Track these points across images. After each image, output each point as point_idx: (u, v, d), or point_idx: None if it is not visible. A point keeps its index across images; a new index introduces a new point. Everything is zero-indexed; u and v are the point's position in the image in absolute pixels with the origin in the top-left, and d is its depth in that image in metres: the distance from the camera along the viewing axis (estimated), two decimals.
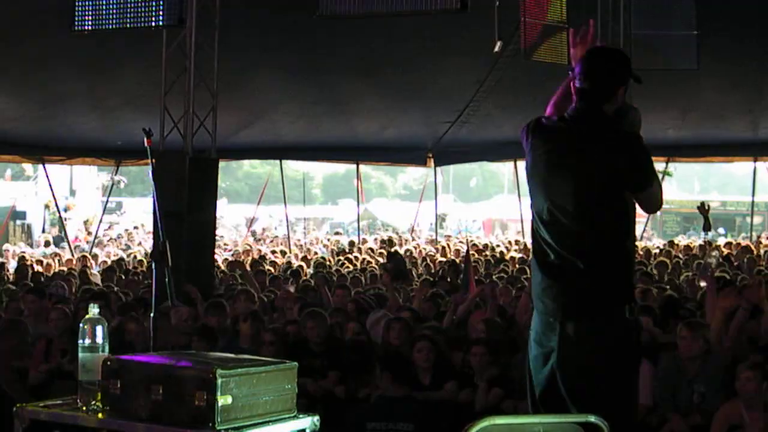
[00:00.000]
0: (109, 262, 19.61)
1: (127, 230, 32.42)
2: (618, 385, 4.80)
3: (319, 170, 59.43)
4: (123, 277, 15.98)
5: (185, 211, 12.39)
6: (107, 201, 31.40)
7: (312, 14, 10.16)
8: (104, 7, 11.90)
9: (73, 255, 22.59)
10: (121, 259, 20.39)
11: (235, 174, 56.68)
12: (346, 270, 17.59)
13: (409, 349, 8.71)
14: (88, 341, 4.43)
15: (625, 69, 4.94)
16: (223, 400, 3.99)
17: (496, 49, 13.18)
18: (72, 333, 9.41)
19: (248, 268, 16.44)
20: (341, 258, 20.75)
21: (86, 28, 11.94)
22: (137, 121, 17.91)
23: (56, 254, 22.75)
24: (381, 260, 20.18)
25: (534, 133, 4.99)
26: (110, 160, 25.31)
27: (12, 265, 19.16)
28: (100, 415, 4.17)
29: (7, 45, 15.73)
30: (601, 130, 4.81)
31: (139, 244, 27.08)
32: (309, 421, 4.33)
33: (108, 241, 28.57)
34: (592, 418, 4.28)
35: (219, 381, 3.98)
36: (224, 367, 4.08)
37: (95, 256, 22.27)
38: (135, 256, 21.34)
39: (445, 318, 10.31)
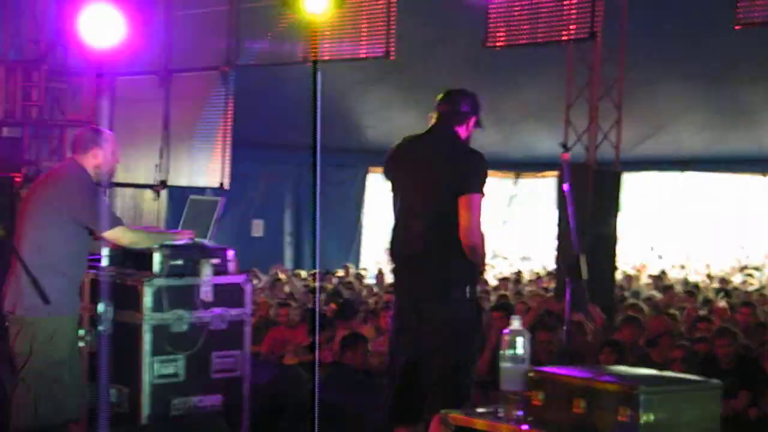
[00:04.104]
0: (508, 274, 19.87)
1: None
2: (462, 343, 5.91)
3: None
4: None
5: (587, 223, 12.36)
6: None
7: (729, 21, 9.82)
8: (516, 24, 12.06)
9: None
10: (519, 272, 20.56)
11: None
12: (750, 287, 17.03)
13: None
14: (510, 352, 4.54)
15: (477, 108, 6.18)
16: (646, 417, 3.92)
17: None
18: None
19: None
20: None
21: (499, 44, 12.17)
22: (538, 134, 17.93)
23: None
24: None
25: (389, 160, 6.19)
26: (510, 173, 25.65)
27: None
28: (523, 425, 4.24)
29: (418, 60, 16.40)
30: (451, 144, 6.03)
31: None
32: None
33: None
34: None
35: (643, 398, 3.92)
36: (648, 384, 4.02)
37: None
38: (532, 270, 21.49)
39: None
